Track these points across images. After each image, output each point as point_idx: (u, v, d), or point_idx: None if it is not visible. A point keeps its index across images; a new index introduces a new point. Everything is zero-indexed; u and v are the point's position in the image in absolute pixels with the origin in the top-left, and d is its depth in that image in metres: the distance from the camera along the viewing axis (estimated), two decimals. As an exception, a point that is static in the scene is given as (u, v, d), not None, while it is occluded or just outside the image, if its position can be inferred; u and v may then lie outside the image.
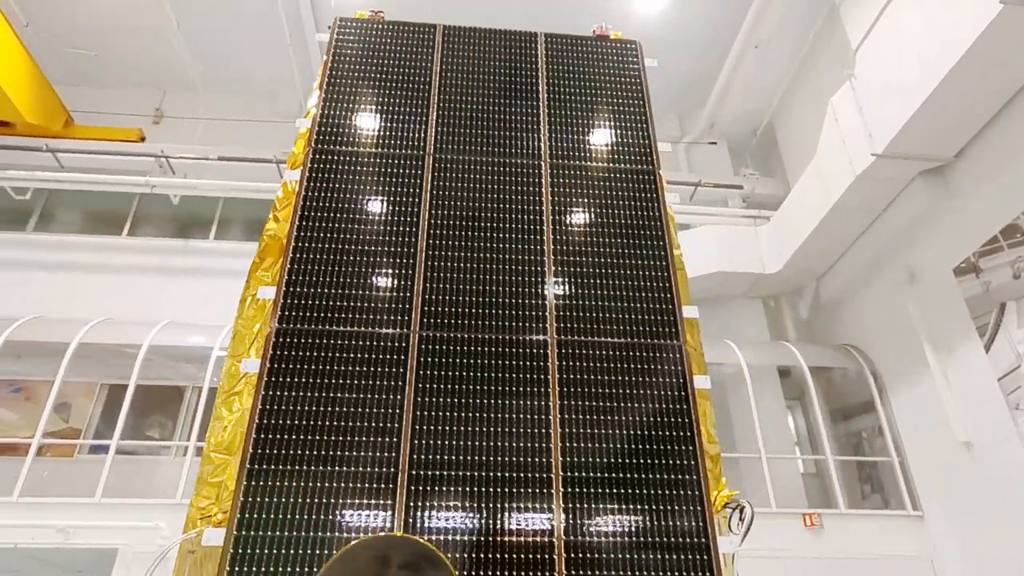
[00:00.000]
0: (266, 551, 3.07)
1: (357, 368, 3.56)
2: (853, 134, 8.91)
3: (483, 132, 4.54)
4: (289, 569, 3.03)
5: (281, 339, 3.61)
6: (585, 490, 3.32)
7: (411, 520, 3.18)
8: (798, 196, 10.50)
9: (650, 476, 3.39)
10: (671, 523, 3.29)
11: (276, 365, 3.53)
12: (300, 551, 3.07)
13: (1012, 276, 7.62)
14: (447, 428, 3.43)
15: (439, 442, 3.39)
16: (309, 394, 3.46)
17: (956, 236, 8.51)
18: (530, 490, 3.31)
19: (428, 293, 3.83)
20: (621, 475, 3.38)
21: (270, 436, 3.33)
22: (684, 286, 4.27)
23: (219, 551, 3.07)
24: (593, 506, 3.29)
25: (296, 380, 3.49)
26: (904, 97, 7.84)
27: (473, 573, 3.08)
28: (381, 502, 3.22)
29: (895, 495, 9.52)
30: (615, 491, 3.34)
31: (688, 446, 3.50)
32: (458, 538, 3.16)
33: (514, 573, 3.10)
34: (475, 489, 3.29)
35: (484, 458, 3.37)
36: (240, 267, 4.46)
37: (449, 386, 3.55)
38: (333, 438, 3.35)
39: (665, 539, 3.25)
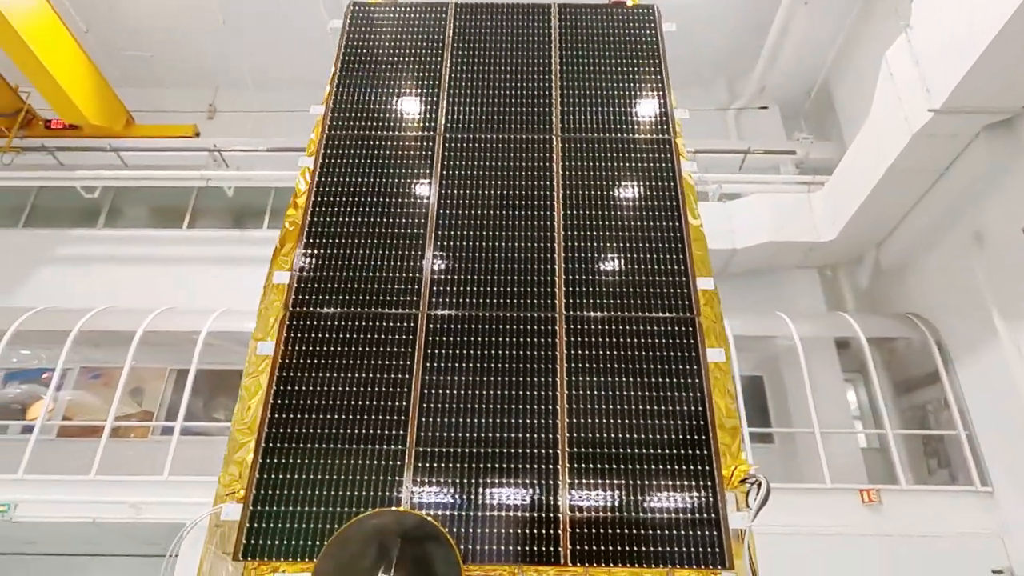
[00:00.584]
0: (280, 525, 3.20)
1: (367, 348, 3.63)
2: (909, 90, 8.36)
3: (495, 109, 4.51)
4: (301, 542, 3.15)
5: (294, 322, 3.72)
6: (591, 466, 3.30)
7: (417, 495, 3.25)
8: (852, 159, 9.97)
9: (657, 451, 3.34)
10: (679, 498, 3.24)
11: (290, 347, 3.64)
12: (312, 525, 3.19)
13: (1088, 234, 7.03)
14: (453, 406, 3.47)
15: (445, 419, 3.43)
16: (321, 375, 3.56)
17: (1026, 193, 7.92)
18: (535, 466, 3.31)
19: (437, 273, 3.86)
20: (628, 451, 3.34)
21: (284, 415, 3.45)
22: (702, 258, 4.13)
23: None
24: (599, 481, 3.27)
25: (308, 361, 3.60)
26: (963, 46, 7.28)
27: (475, 547, 3.12)
28: (389, 478, 3.29)
29: (963, 470, 9.04)
30: (622, 467, 3.31)
31: (699, 421, 3.42)
32: (461, 513, 3.20)
33: (518, 547, 3.12)
34: (479, 466, 3.32)
35: (489, 435, 3.39)
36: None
37: (456, 364, 3.58)
38: (344, 416, 3.45)
39: (673, 515, 3.20)
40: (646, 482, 3.28)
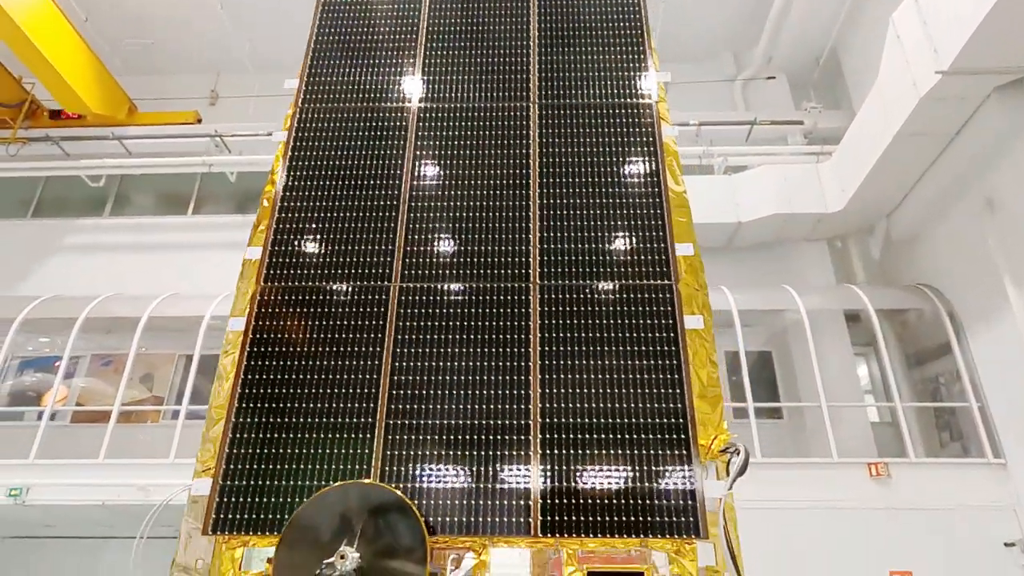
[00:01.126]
0: (249, 499, 3.18)
1: (337, 322, 3.58)
2: (917, 52, 8.08)
3: (472, 78, 4.40)
4: (270, 516, 3.13)
5: (265, 297, 3.68)
6: (563, 436, 3.24)
7: (386, 469, 3.21)
8: (859, 127, 9.70)
9: (632, 421, 3.26)
10: (653, 468, 3.16)
11: (260, 323, 3.61)
12: (281, 499, 3.17)
13: (1103, 196, 6.77)
14: (424, 378, 3.42)
15: (416, 392, 3.38)
16: (291, 349, 3.52)
17: (1039, 156, 7.64)
18: (506, 437, 3.25)
19: (410, 244, 3.79)
20: (601, 420, 3.27)
21: (253, 391, 3.42)
22: (685, 224, 4.00)
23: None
24: (571, 452, 3.20)
25: (278, 336, 3.56)
26: (972, 3, 7.00)
27: (445, 519, 3.08)
28: (358, 452, 3.25)
29: (975, 442, 8.85)
30: (595, 436, 3.24)
31: (675, 389, 3.33)
32: (431, 486, 3.16)
33: (488, 519, 3.08)
34: (449, 437, 3.27)
35: (459, 407, 3.33)
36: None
37: (427, 336, 3.52)
38: (313, 391, 3.41)
39: (646, 485, 3.13)
40: (619, 451, 3.21)
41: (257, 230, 4.26)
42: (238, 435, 3.33)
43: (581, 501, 3.11)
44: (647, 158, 4.01)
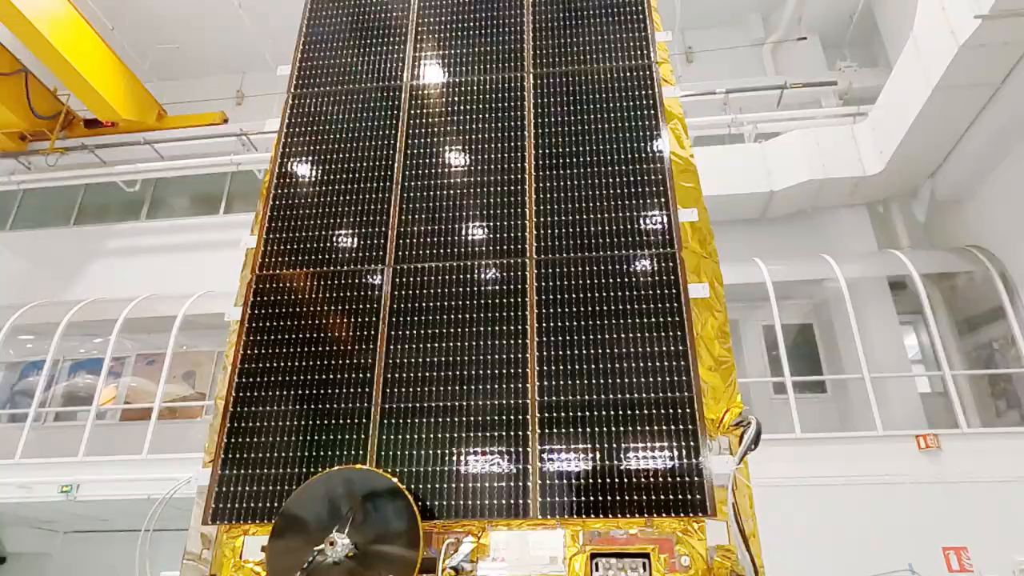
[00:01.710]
0: (246, 488, 3.16)
1: (332, 307, 3.53)
2: (954, -3, 7.58)
3: (464, 51, 4.27)
4: (267, 504, 3.11)
5: (260, 286, 3.65)
6: (562, 414, 3.11)
7: (383, 453, 3.14)
8: (895, 83, 9.20)
9: (633, 396, 3.11)
10: (657, 444, 3.01)
11: (256, 311, 3.58)
12: (277, 487, 3.13)
13: None
14: (420, 360, 3.33)
15: (412, 374, 3.30)
16: (285, 336, 3.48)
17: (1094, 101, 7.09)
18: (504, 417, 3.15)
19: (402, 225, 3.70)
20: (601, 396, 3.13)
21: (249, 380, 3.40)
22: (691, 190, 3.80)
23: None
24: (570, 431, 3.08)
25: (274, 324, 3.52)
26: (1010, -61, 6.51)
27: (443, 503, 3.00)
28: (354, 437, 3.20)
29: (1034, 410, 8.37)
30: (595, 413, 3.10)
31: (678, 361, 3.16)
32: (428, 469, 3.08)
33: (487, 502, 2.98)
34: (446, 420, 3.18)
35: (455, 387, 3.24)
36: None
37: (423, 317, 3.43)
38: (309, 377, 3.36)
39: (650, 462, 2.98)
40: (621, 428, 3.06)
41: (258, 220, 4.24)
42: (234, 424, 3.31)
43: (581, 481, 2.98)
44: (647, 122, 3.81)
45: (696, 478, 2.94)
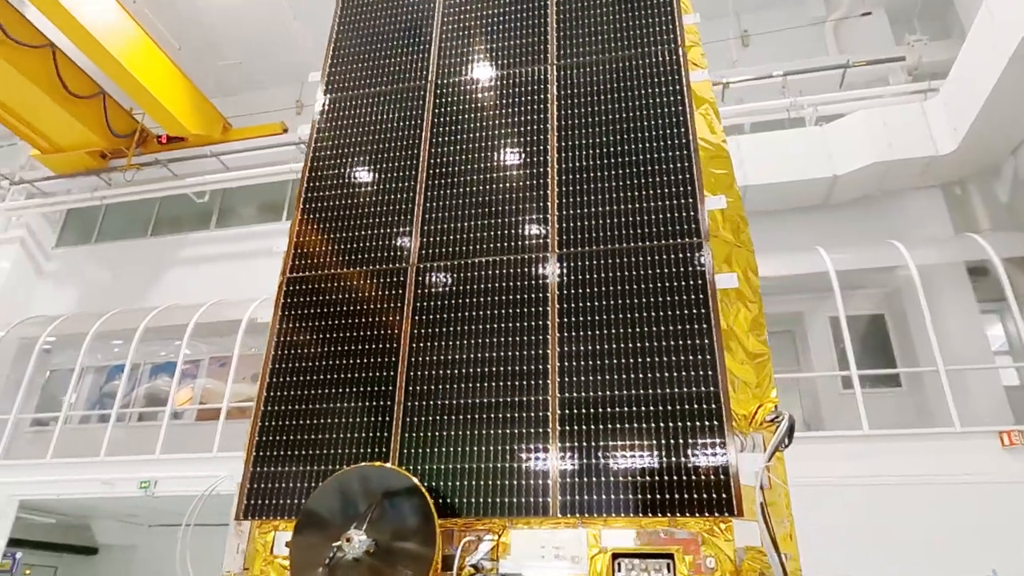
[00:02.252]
0: (276, 484, 3.25)
1: (357, 307, 3.58)
2: (1029, -43, 7.01)
3: (487, 47, 4.25)
4: (296, 501, 3.18)
5: (290, 287, 3.74)
6: (584, 411, 3.05)
7: (404, 451, 3.16)
8: (968, 55, 8.58)
9: (657, 391, 3.01)
10: (682, 441, 2.90)
11: (286, 312, 3.67)
12: (305, 484, 3.21)
13: None
14: (442, 358, 3.33)
15: (435, 372, 3.31)
16: (313, 336, 3.56)
17: None
18: (525, 415, 3.11)
19: (426, 224, 3.72)
20: (624, 392, 3.05)
21: (279, 379, 3.49)
22: (722, 177, 3.64)
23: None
24: (592, 428, 3.01)
25: (302, 324, 3.61)
26: None
27: (461, 501, 2.99)
28: (376, 435, 3.23)
29: None
30: (618, 410, 3.02)
31: (704, 355, 3.04)
32: (450, 467, 3.08)
33: (508, 500, 2.96)
34: (468, 417, 3.17)
35: (478, 385, 3.23)
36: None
37: (445, 315, 3.44)
38: (334, 376, 3.42)
39: (674, 460, 2.88)
40: (644, 425, 2.97)
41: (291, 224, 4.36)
42: (265, 423, 3.41)
43: (603, 479, 2.91)
44: (670, 108, 3.68)
45: (722, 476, 2.82)
